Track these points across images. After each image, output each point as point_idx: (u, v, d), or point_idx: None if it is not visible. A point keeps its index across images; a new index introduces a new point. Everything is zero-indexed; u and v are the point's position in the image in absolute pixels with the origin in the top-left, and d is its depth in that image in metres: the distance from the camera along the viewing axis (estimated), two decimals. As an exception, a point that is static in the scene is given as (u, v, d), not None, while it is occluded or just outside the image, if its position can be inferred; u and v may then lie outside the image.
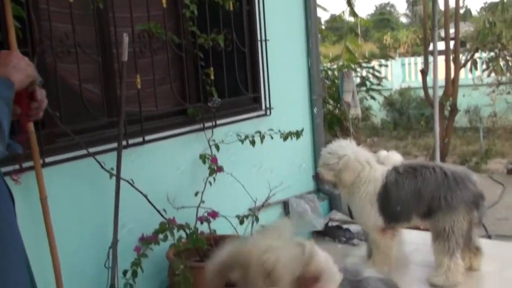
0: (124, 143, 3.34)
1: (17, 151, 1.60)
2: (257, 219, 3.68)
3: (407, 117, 11.85)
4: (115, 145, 3.30)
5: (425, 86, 8.88)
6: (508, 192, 6.66)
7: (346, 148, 3.83)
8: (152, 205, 3.33)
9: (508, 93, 8.44)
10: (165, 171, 3.68)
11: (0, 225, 1.48)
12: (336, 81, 9.24)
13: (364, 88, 10.04)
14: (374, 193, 3.79)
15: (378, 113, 11.96)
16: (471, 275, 3.58)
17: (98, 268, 3.25)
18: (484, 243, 4.68)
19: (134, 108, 3.56)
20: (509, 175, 7.59)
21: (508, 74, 8.25)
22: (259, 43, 4.48)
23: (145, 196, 3.30)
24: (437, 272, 3.87)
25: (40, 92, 1.62)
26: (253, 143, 3.88)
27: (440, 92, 8.35)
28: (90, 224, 3.22)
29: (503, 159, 8.45)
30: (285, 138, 3.87)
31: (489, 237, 5.12)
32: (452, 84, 8.50)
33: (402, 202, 3.85)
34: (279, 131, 3.93)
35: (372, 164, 3.91)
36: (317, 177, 3.99)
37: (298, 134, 3.85)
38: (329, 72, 9.11)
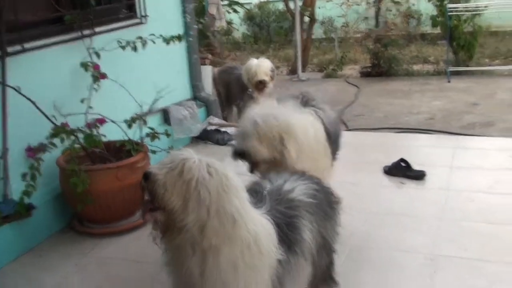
0: (2, 51, 3.24)
1: None
2: (145, 123, 3.81)
3: (267, 31, 12.24)
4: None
5: (285, -2, 9.25)
6: (362, 93, 7.37)
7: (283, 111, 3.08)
8: (41, 111, 3.31)
9: (358, 4, 9.04)
10: (49, 80, 3.62)
11: None
12: (199, -6, 9.25)
13: (226, 2, 10.17)
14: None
15: (239, 27, 12.21)
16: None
17: (-11, 179, 3.23)
18: (345, 135, 5.28)
19: (9, 16, 3.42)
20: (362, 78, 8.34)
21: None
22: None
23: (33, 103, 3.27)
24: None
25: None
26: (134, 49, 3.93)
27: (299, 3, 8.78)
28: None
29: (356, 65, 9.20)
30: (167, 42, 3.96)
31: (349, 130, 5.71)
32: (310, -5, 8.96)
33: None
34: (161, 35, 4.00)
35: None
36: (244, 158, 2.97)
37: (180, 37, 3.96)
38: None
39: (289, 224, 2.12)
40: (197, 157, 1.90)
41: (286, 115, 3.01)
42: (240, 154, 2.95)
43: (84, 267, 3.26)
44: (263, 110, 3.02)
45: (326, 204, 2.37)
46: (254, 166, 2.96)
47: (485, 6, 7.92)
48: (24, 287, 3.12)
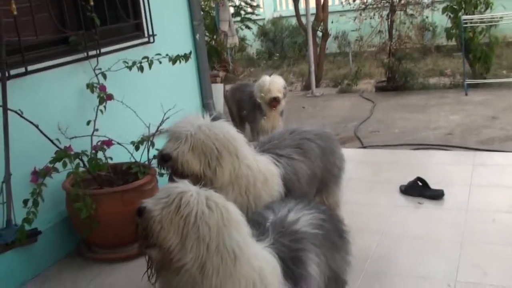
0: (5, 74, 3.17)
1: None
2: (152, 144, 3.71)
3: (281, 46, 12.16)
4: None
5: (297, 13, 9.15)
6: (377, 108, 7.22)
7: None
8: (44, 135, 3.23)
9: (371, 17, 8.90)
10: (53, 102, 3.55)
11: None
12: (211, 11, 9.24)
13: (238, 18, 10.13)
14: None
15: (253, 44, 12.16)
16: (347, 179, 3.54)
17: (-8, 204, 3.14)
18: (360, 152, 5.18)
19: (12, 38, 3.36)
20: (377, 92, 8.20)
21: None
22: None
23: (36, 126, 3.19)
24: None
25: None
26: (141, 69, 3.84)
27: (311, 19, 8.70)
28: (-22, 160, 3.07)
29: (371, 79, 9.06)
30: (174, 62, 3.86)
31: (364, 147, 5.57)
32: (322, 10, 8.86)
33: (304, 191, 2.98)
34: (167, 55, 3.92)
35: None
36: (168, 165, 2.58)
37: (186, 57, 3.86)
38: (203, 3, 9.06)
39: (294, 258, 1.97)
40: (195, 190, 1.77)
41: (235, 134, 2.59)
42: (164, 159, 2.49)
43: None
44: (210, 119, 2.64)
45: (334, 234, 2.22)
46: (176, 176, 2.43)
47: (501, 17, 7.75)
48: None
